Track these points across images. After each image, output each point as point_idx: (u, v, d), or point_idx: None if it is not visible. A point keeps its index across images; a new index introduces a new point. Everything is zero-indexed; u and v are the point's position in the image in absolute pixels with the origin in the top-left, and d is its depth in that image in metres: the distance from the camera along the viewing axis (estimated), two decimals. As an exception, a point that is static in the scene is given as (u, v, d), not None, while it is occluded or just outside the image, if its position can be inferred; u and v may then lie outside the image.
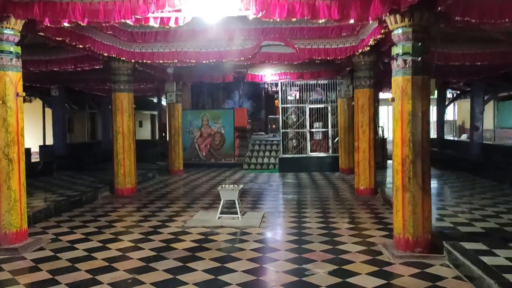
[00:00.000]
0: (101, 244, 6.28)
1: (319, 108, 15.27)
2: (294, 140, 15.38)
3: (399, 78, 5.62)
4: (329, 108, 15.12)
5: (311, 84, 15.20)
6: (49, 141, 16.56)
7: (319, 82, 15.07)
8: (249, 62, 10.86)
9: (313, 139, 15.47)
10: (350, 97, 13.86)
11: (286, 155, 15.33)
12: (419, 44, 5.51)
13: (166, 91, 14.26)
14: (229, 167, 16.60)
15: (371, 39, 7.62)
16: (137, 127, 32.74)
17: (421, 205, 5.55)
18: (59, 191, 10.28)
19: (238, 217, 7.63)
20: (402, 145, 5.60)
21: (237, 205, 7.68)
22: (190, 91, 19.87)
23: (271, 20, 8.91)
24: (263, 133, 22.46)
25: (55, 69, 10.23)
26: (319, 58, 9.77)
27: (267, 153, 16.74)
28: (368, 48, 8.35)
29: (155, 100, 24.30)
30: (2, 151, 5.92)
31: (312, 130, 15.34)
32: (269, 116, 21.73)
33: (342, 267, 5.22)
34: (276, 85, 24.21)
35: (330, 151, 15.14)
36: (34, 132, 18.00)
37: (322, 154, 15.18)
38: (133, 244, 6.29)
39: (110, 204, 9.49)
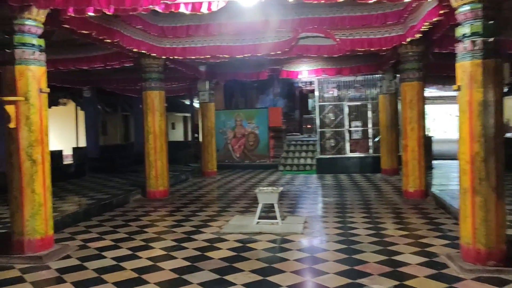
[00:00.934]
0: (131, 252, 5.77)
1: (358, 105, 14.45)
2: (332, 140, 14.62)
3: (467, 63, 4.84)
4: (369, 106, 14.27)
5: (350, 81, 14.39)
6: (83, 143, 16.41)
7: (358, 78, 14.25)
8: (285, 56, 10.20)
9: (352, 138, 14.66)
10: (392, 93, 13.04)
11: (324, 156, 14.59)
12: (491, 22, 4.72)
13: (198, 90, 13.78)
14: (264, 168, 16.00)
15: (424, 24, 6.83)
16: (170, 129, 32.70)
17: (494, 211, 4.76)
18: (90, 194, 9.93)
19: (278, 222, 6.99)
20: (471, 141, 4.81)
21: (276, 209, 7.04)
22: (223, 91, 19.40)
23: (310, 7, 8.40)
24: (298, 133, 21.79)
25: (84, 68, 9.91)
26: (362, 49, 9.02)
27: (303, 154, 16.03)
28: (419, 35, 7.56)
29: (187, 102, 24.02)
30: (25, 152, 5.49)
31: (351, 129, 14.53)
32: (304, 116, 21.01)
33: (404, 282, 4.49)
34: (312, 83, 23.64)
35: (371, 151, 14.29)
36: (69, 134, 17.96)
37: (362, 154, 14.35)
38: (165, 253, 5.74)
39: (141, 207, 9.04)
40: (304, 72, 13.32)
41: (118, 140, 20.56)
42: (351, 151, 14.51)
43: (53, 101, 17.10)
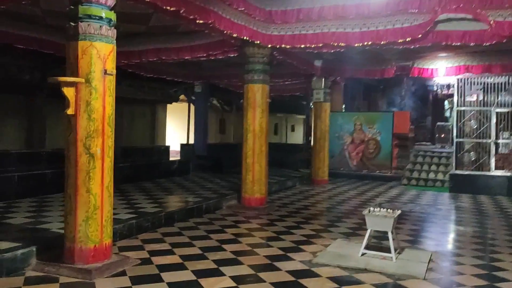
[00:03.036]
0: (195, 278, 4.58)
1: (511, 112, 11.64)
2: (472, 153, 12.01)
3: None
4: (526, 113, 11.39)
5: (501, 83, 11.64)
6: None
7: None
8: (417, 45, 8.19)
9: (499, 153, 11.88)
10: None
11: (460, 171, 12.05)
12: None
13: (312, 88, 12.35)
14: (384, 180, 13.94)
15: None
16: (289, 131, 31.83)
17: None
18: (184, 194, 9.15)
19: (391, 257, 5.25)
20: None
21: (390, 240, 5.29)
22: (342, 92, 17.60)
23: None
24: (428, 143, 19.08)
25: (187, 58, 9.16)
26: (526, 34, 6.74)
27: (433, 167, 13.61)
28: None
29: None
30: (82, 143, 4.64)
31: (499, 141, 11.78)
32: (438, 124, 18.20)
33: None
34: (449, 86, 20.62)
35: (525, 169, 11.39)
36: (183, 131, 17.93)
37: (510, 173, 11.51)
38: (235, 285, 4.44)
39: (232, 215, 7.93)
40: (441, 70, 11.07)
41: (231, 139, 20.10)
42: (497, 167, 11.75)
43: (172, 97, 17.20)
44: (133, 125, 15.98)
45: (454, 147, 12.18)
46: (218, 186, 10.61)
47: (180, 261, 5.15)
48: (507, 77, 11.44)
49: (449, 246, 6.19)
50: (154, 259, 5.20)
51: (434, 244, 6.25)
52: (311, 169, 12.77)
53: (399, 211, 5.57)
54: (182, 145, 15.03)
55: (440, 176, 13.13)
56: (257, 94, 8.53)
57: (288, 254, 5.51)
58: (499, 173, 11.62)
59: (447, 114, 19.50)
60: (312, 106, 13.73)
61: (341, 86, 16.31)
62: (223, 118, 22.61)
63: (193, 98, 14.48)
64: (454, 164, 12.18)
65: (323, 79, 12.18)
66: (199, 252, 5.52)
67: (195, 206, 7.81)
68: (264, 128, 8.61)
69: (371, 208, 5.64)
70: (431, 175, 13.26)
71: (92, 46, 4.64)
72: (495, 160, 11.75)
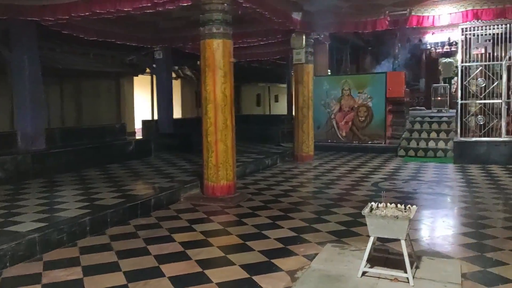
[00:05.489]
0: None
1: (525, 66, 9.89)
2: (479, 117, 10.28)
3: None
4: (544, 66, 9.64)
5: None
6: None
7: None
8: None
9: (511, 115, 10.19)
10: None
11: (466, 139, 10.35)
12: None
13: (292, 46, 10.36)
14: (377, 152, 12.23)
15: None
16: (273, 102, 29.80)
17: None
18: (134, 184, 7.30)
19: (406, 277, 3.50)
20: None
21: (404, 252, 3.52)
22: (328, 55, 15.61)
23: None
24: (422, 108, 17.39)
25: (128, 9, 7.12)
26: None
27: (433, 135, 11.90)
28: None
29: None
30: None
31: (511, 101, 10.06)
32: (433, 85, 16.45)
33: None
34: (443, 44, 18.79)
35: (543, 133, 9.72)
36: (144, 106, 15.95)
37: (526, 138, 9.85)
38: None
39: (190, 211, 6.12)
40: (444, 17, 9.17)
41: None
42: (509, 132, 10.07)
43: (137, 68, 15.11)
44: (96, 102, 13.97)
45: (458, 110, 10.41)
46: (181, 170, 8.77)
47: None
48: (521, 24, 9.62)
49: (482, 246, 4.47)
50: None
51: (460, 245, 4.52)
52: (293, 143, 10.93)
53: (415, 207, 3.77)
54: (144, 122, 13.05)
55: (441, 145, 11.43)
56: (216, 52, 6.58)
57: (255, 278, 3.72)
58: (510, 138, 9.94)
59: (446, 74, 17.77)
60: (292, 73, 11.85)
61: (325, 47, 14.36)
62: (200, 90, 20.56)
63: (154, 66, 12.42)
64: (458, 130, 10.45)
65: (304, 36, 10.20)
66: (122, 282, 3.71)
67: (140, 201, 5.95)
68: (229, 97, 6.70)
69: (373, 204, 3.84)
70: (431, 144, 11.56)
71: None
72: (506, 124, 10.06)
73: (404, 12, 9.43)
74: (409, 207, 3.73)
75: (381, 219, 3.56)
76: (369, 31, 10.23)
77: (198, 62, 6.85)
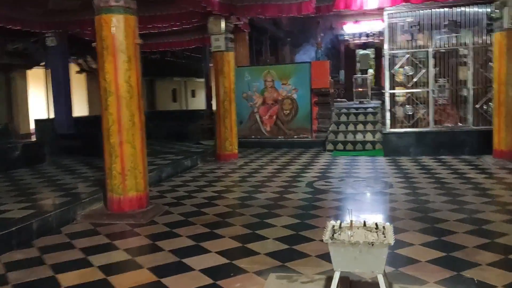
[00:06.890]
0: None
1: (451, 52, 9.61)
2: (407, 107, 9.88)
3: None
4: (470, 53, 9.39)
5: (440, 14, 9.47)
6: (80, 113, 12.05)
7: (454, 10, 9.36)
8: None
9: (439, 103, 9.91)
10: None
11: (395, 130, 9.92)
12: None
13: (210, 32, 9.17)
14: (304, 147, 11.50)
15: None
16: (190, 97, 28.31)
17: None
18: (6, 205, 5.67)
19: (386, 325, 2.53)
20: None
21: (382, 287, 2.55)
22: (248, 46, 14.65)
23: None
24: (344, 99, 17.08)
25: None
26: None
27: (359, 127, 11.40)
28: None
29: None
30: None
31: (435, 89, 9.75)
32: (354, 76, 16.18)
33: None
34: (360, 35, 18.69)
35: (471, 121, 9.50)
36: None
37: (457, 128, 9.60)
38: None
39: (87, 235, 4.73)
40: (373, 0, 8.54)
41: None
42: (437, 122, 9.79)
43: (31, 60, 13.02)
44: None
45: (386, 100, 9.94)
46: (80, 179, 7.23)
47: None
48: (445, 8, 9.32)
49: (454, 262, 3.68)
50: None
51: (429, 262, 3.68)
52: (215, 140, 9.77)
53: (390, 226, 2.82)
54: (38, 122, 11.11)
55: (369, 137, 10.96)
56: (117, 32, 5.23)
57: None
58: (443, 128, 9.65)
59: (363, 66, 17.61)
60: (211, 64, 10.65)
61: (245, 35, 13.38)
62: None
63: (48, 56, 10.54)
64: (387, 122, 9.98)
65: (223, 20, 9.06)
66: None
67: (16, 228, 4.44)
68: (135, 87, 5.38)
69: (333, 223, 2.83)
70: (359, 137, 11.05)
71: None
72: (435, 113, 9.76)
73: (330, -6, 8.68)
74: (383, 227, 2.77)
75: (351, 248, 2.55)
76: (294, 15, 9.34)
77: (94, 44, 5.39)
